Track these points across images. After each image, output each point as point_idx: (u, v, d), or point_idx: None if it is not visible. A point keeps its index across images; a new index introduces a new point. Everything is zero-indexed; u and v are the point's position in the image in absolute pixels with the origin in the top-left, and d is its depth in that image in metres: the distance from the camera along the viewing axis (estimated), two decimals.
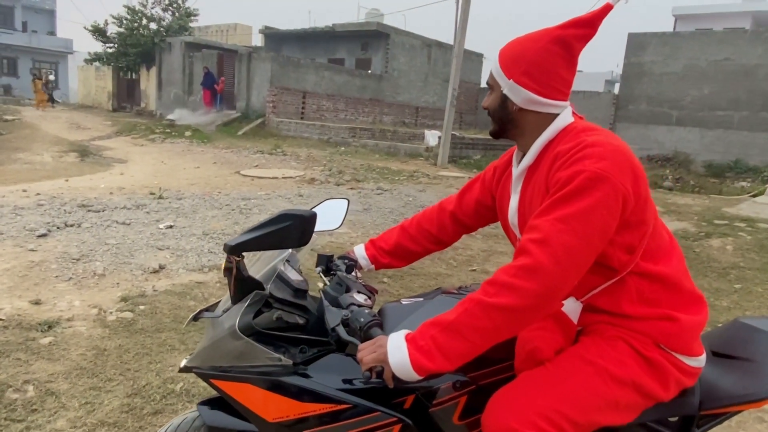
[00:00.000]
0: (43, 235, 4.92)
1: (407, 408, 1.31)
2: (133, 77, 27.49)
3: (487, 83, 1.40)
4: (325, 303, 1.40)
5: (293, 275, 1.47)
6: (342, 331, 1.27)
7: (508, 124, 1.38)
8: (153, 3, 25.87)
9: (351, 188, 9.07)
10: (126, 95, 27.92)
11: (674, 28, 23.31)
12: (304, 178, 9.95)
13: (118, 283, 3.99)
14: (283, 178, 10.01)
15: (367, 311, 1.31)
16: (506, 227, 1.52)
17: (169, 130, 17.80)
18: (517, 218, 1.41)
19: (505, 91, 1.35)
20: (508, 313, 1.13)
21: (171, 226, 5.59)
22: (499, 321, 1.13)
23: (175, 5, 26.37)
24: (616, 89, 20.21)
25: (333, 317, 1.32)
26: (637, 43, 17.59)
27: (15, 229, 5.06)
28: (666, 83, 17.33)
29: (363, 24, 24.07)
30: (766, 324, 1.45)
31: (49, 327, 3.20)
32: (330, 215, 1.75)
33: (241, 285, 1.34)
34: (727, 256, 6.11)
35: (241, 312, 1.32)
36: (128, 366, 2.85)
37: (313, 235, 1.69)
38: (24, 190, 6.99)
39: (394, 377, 1.20)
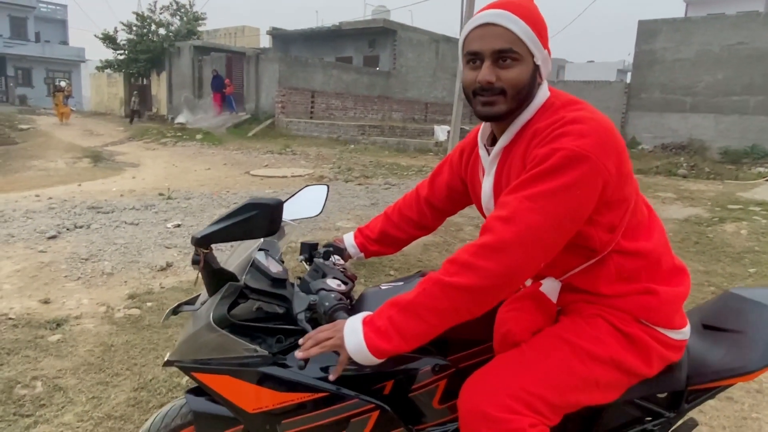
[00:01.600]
0: (53, 237, 5.00)
1: (387, 394, 1.29)
2: (144, 82, 27.79)
3: (509, 50, 1.16)
4: (296, 290, 1.38)
5: (273, 265, 1.44)
6: (302, 317, 1.25)
7: (527, 101, 1.21)
8: (161, 9, 26.15)
9: (359, 184, 9.08)
10: (138, 101, 28.22)
11: (685, 14, 22.95)
12: (313, 176, 9.98)
13: (125, 282, 4.04)
14: (292, 176, 10.05)
15: (333, 295, 1.28)
16: (481, 211, 1.43)
17: (180, 134, 17.97)
18: (492, 202, 1.31)
19: (539, 62, 1.19)
20: (467, 294, 1.08)
21: (179, 225, 5.65)
22: (458, 301, 1.09)
23: (183, 10, 26.60)
24: (629, 78, 19.94)
25: (300, 303, 1.30)
26: (647, 30, 17.36)
27: (26, 232, 5.14)
28: (679, 70, 17.08)
29: (370, 21, 24.08)
30: (757, 294, 1.41)
31: (58, 325, 3.25)
32: (310, 203, 1.73)
33: (214, 277, 1.33)
34: (741, 240, 6.01)
35: (215, 304, 1.31)
36: (135, 361, 2.88)
37: (292, 223, 1.69)
38: (37, 195, 7.11)
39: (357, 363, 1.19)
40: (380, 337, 1.12)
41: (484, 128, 1.38)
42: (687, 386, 1.31)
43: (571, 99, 1.23)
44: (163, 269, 4.31)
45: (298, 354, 1.18)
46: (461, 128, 14.52)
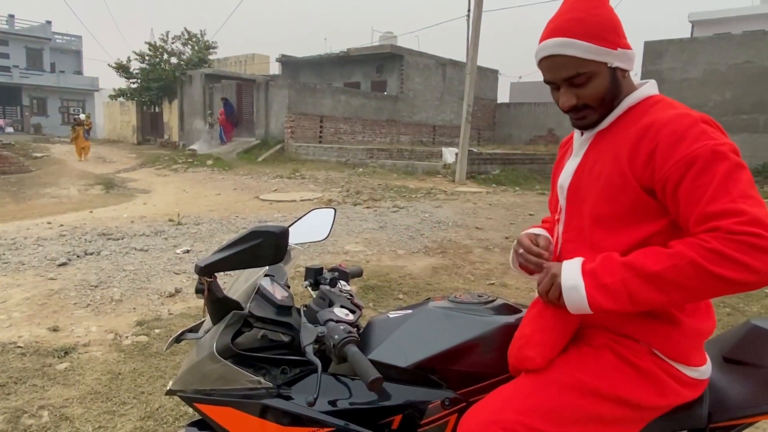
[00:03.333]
0: (64, 264, 5.03)
1: (395, 428, 1.25)
2: (156, 110, 28.24)
3: (575, 76, 1.18)
4: (303, 320, 1.35)
5: (279, 291, 1.43)
6: (309, 350, 1.22)
7: (614, 99, 1.22)
8: (173, 38, 26.69)
9: (368, 207, 9.08)
10: (150, 128, 28.68)
11: (691, 34, 23.02)
12: (322, 200, 10.00)
13: (134, 308, 4.03)
14: (301, 200, 10.09)
15: (343, 327, 1.25)
16: (553, 192, 1.40)
17: (191, 160, 18.18)
18: (569, 181, 1.29)
19: (615, 64, 1.19)
20: (727, 285, 1.02)
21: (188, 251, 5.66)
22: (712, 288, 1.03)
23: (194, 39, 27.15)
24: None
25: (308, 335, 1.26)
26: (654, 51, 17.43)
27: (36, 259, 5.18)
28: (686, 90, 17.07)
29: (377, 47, 24.42)
30: None
31: (66, 353, 3.24)
32: (316, 226, 1.72)
33: (218, 306, 1.31)
34: None
35: (218, 334, 1.29)
36: (142, 389, 2.86)
37: (298, 247, 1.67)
38: (48, 223, 7.17)
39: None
40: (606, 295, 1.10)
41: None
42: (708, 423, 1.25)
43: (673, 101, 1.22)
44: (171, 295, 4.30)
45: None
46: (469, 150, 14.59)
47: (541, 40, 1.22)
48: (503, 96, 31.39)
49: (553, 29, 1.19)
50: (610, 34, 1.17)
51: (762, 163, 15.85)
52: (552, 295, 1.18)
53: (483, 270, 5.48)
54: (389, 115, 23.29)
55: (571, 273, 1.15)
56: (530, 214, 9.03)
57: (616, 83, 1.21)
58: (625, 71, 1.22)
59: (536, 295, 1.28)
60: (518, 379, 1.23)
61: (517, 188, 13.43)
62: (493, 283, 5.01)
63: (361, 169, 15.40)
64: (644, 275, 1.06)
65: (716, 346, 1.39)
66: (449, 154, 15.77)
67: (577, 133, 1.34)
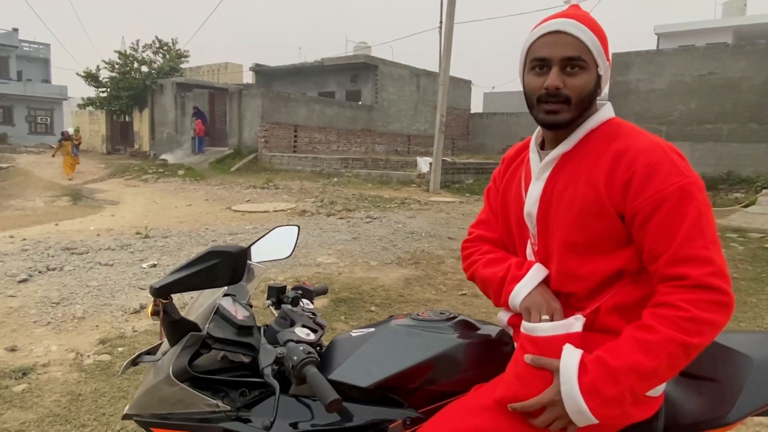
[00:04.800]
0: (24, 281, 4.87)
1: None
2: (127, 119, 27.79)
3: (576, 58, 1.17)
4: (263, 341, 1.33)
5: (240, 311, 1.40)
6: (268, 372, 1.20)
7: (587, 110, 1.22)
8: (144, 47, 26.37)
9: (341, 218, 9.05)
10: (120, 137, 28.21)
11: (657, 46, 23.67)
12: (296, 211, 9.94)
13: (97, 326, 3.93)
14: (274, 211, 10.01)
15: (302, 347, 1.23)
16: (514, 218, 1.35)
17: (162, 170, 17.92)
18: (536, 208, 1.25)
19: (601, 73, 1.20)
20: (702, 347, 1.08)
21: (154, 265, 5.55)
22: (693, 357, 1.09)
23: (165, 48, 26.87)
24: None
25: (266, 356, 1.25)
26: (621, 62, 17.85)
27: None
28: (653, 100, 17.53)
29: (351, 57, 24.52)
30: (732, 340, 1.37)
31: (24, 374, 3.13)
32: (280, 244, 1.70)
33: (175, 327, 1.28)
34: None
35: (175, 356, 1.26)
36: (103, 411, 2.78)
37: (261, 265, 1.65)
38: (11, 237, 6.97)
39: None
40: (612, 406, 1.09)
41: (537, 134, 1.35)
42: None
43: (635, 127, 1.23)
44: (136, 312, 4.21)
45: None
46: (443, 159, 14.70)
47: (543, 22, 1.21)
48: (477, 106, 31.84)
49: (563, 14, 1.20)
50: (606, 45, 1.20)
51: (726, 171, 16.32)
52: (557, 426, 1.13)
53: (455, 280, 5.49)
54: (364, 124, 23.35)
55: (573, 399, 1.09)
56: None
57: (595, 93, 1.21)
58: (600, 86, 1.22)
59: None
60: (467, 397, 1.23)
61: None
62: (465, 294, 5.03)
63: (335, 179, 15.37)
64: (645, 375, 1.07)
65: None
66: (424, 164, 15.87)
67: (533, 155, 1.31)
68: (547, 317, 1.21)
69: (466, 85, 28.91)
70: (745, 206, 11.21)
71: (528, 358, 1.16)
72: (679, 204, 1.08)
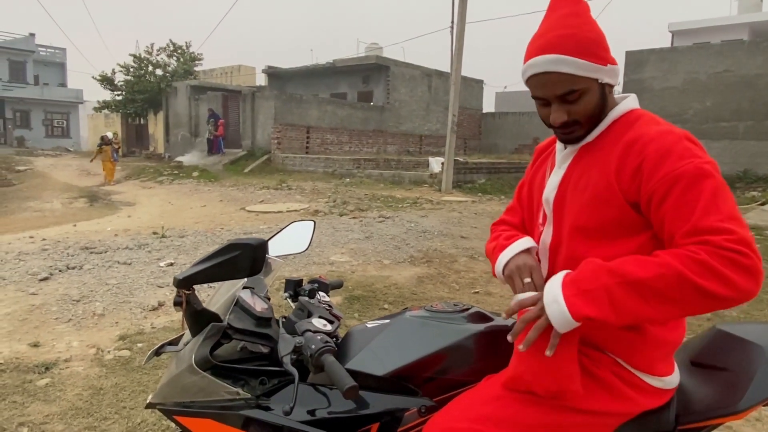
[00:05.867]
0: (45, 279, 4.98)
1: None
2: (142, 122, 28.11)
3: (569, 92, 1.18)
4: (281, 331, 1.37)
5: (258, 303, 1.44)
6: (287, 361, 1.24)
7: (601, 114, 1.23)
8: (158, 50, 26.66)
9: (354, 217, 9.10)
10: (135, 140, 28.53)
11: (672, 44, 23.41)
12: (308, 211, 10.01)
13: (117, 322, 4.01)
14: (287, 211, 10.08)
15: (320, 337, 1.27)
16: (536, 205, 1.39)
17: (177, 172, 18.10)
18: (554, 194, 1.29)
19: (605, 80, 1.19)
20: (708, 300, 1.02)
21: (171, 264, 5.63)
22: (693, 301, 1.03)
23: (179, 51, 27.14)
24: None
25: (285, 345, 1.28)
26: (635, 60, 17.71)
27: (18, 275, 5.12)
28: (668, 98, 17.36)
29: (363, 58, 24.58)
30: (742, 330, 1.39)
31: (47, 369, 3.21)
32: (296, 239, 1.74)
33: (197, 318, 1.32)
34: None
35: (197, 346, 1.30)
36: (124, 404, 2.84)
37: (278, 260, 1.69)
38: (31, 237, 7.10)
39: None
40: (587, 302, 1.07)
41: None
42: (676, 426, 1.28)
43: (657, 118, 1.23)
44: (154, 309, 4.29)
45: (509, 338, 1.19)
46: (455, 159, 14.69)
47: (528, 57, 1.20)
48: (489, 106, 31.75)
49: (543, 45, 1.17)
50: (600, 50, 1.17)
51: (742, 170, 16.12)
52: (533, 315, 1.14)
53: (468, 279, 5.51)
54: (376, 125, 23.39)
55: (551, 287, 1.13)
56: None
57: (605, 98, 1.22)
58: (612, 86, 1.23)
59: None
60: (477, 387, 1.26)
61: (502, 197, 13.53)
62: (477, 292, 5.05)
63: (347, 180, 15.43)
64: (629, 282, 1.05)
65: (685, 351, 1.43)
66: (436, 164, 15.87)
67: (559, 145, 1.35)
68: (528, 279, 1.24)
69: (477, 84, 28.84)
70: (762, 204, 11.07)
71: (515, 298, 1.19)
72: (695, 181, 1.08)
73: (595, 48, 1.16)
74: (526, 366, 1.18)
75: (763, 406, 1.29)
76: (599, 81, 1.18)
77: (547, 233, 1.32)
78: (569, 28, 1.16)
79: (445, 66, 23.64)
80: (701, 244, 1.03)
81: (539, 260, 1.33)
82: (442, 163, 14.34)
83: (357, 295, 4.74)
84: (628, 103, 1.26)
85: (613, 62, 1.19)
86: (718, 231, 1.03)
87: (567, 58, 1.14)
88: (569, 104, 1.19)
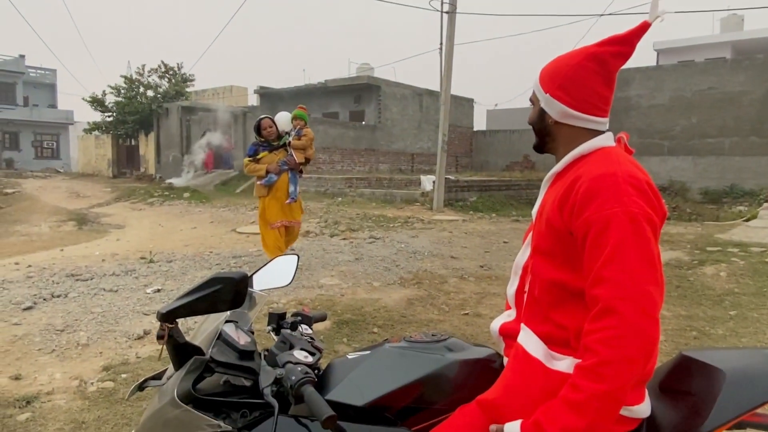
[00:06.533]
0: (29, 308, 4.91)
1: None
2: (132, 143, 28.08)
3: (530, 99, 1.46)
4: (263, 363, 1.39)
5: (242, 336, 1.45)
6: (268, 392, 1.26)
7: (546, 136, 1.43)
8: (150, 71, 26.73)
9: (344, 238, 9.08)
10: (126, 161, 28.46)
11: (657, 62, 23.81)
12: (300, 232, 9.97)
13: (101, 352, 3.95)
14: None
15: (300, 368, 1.29)
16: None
17: (167, 193, 18.04)
18: (534, 219, 1.45)
19: (542, 105, 1.40)
20: (627, 391, 1.15)
21: (158, 290, 5.58)
22: (623, 400, 1.17)
23: (171, 72, 27.23)
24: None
25: (266, 377, 1.32)
26: (622, 78, 17.97)
27: (1, 304, 5.05)
28: (654, 115, 17.61)
29: (354, 78, 24.77)
30: (708, 356, 1.41)
31: (28, 402, 3.15)
32: (280, 272, 1.78)
33: (179, 351, 1.34)
34: (721, 282, 6.04)
35: (179, 380, 1.31)
36: None
37: (262, 293, 1.71)
38: (16, 263, 7.02)
39: None
40: None
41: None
42: None
43: (627, 159, 1.31)
44: (140, 338, 4.23)
45: None
46: (446, 177, 14.75)
47: None
48: (480, 124, 31.96)
49: None
50: (549, 79, 1.38)
51: (729, 185, 16.31)
52: None
53: (458, 300, 5.49)
54: (368, 144, 23.49)
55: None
56: (504, 242, 9.11)
57: (543, 123, 1.41)
58: (551, 118, 1.38)
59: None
60: (450, 418, 1.31)
61: (493, 215, 13.57)
62: (467, 313, 5.03)
63: (340, 199, 15.43)
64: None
65: (654, 377, 1.46)
66: (428, 182, 15.93)
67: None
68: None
69: (468, 103, 29.10)
70: (747, 220, 11.16)
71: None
72: (604, 230, 1.17)
73: (548, 76, 1.38)
74: (507, 399, 1.28)
75: (726, 429, 1.30)
76: (540, 103, 1.40)
77: (524, 252, 1.47)
78: (558, 62, 1.39)
79: (435, 85, 23.87)
80: (594, 307, 1.16)
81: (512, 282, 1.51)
82: (434, 182, 14.40)
83: (346, 319, 4.71)
84: (598, 141, 1.35)
85: (554, 97, 1.36)
86: (609, 283, 1.15)
87: (538, 73, 1.43)
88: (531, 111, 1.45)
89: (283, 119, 6.55)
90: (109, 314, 4.79)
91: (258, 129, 6.37)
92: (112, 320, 4.64)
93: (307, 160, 6.65)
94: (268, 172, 6.25)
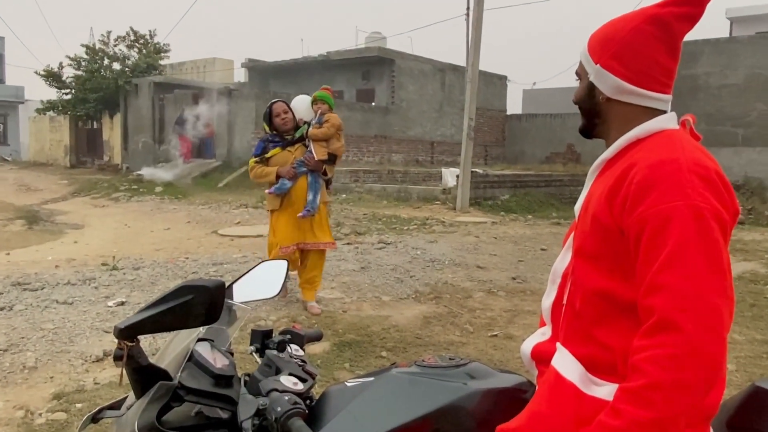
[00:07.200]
0: None
1: None
2: (94, 126, 28.30)
3: (576, 72, 1.47)
4: (243, 391, 1.38)
5: (219, 358, 1.45)
6: (247, 426, 1.25)
7: (595, 117, 1.44)
8: (116, 40, 26.91)
9: (348, 243, 9.12)
10: (86, 148, 28.69)
11: (730, 33, 23.58)
12: None
13: (52, 377, 3.99)
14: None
15: (288, 398, 1.28)
16: None
17: (136, 187, 18.22)
18: (578, 214, 1.44)
19: (591, 78, 1.40)
20: (682, 417, 1.14)
21: (122, 303, 5.63)
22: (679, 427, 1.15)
23: (142, 41, 27.40)
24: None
25: (246, 408, 1.30)
26: (687, 53, 17.77)
27: None
28: (726, 97, 17.43)
29: (363, 50, 24.81)
30: None
31: None
32: (266, 281, 1.77)
33: (142, 375, 1.33)
34: None
35: (141, 410, 1.29)
36: None
37: (244, 306, 1.69)
38: None
39: None
40: None
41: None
42: None
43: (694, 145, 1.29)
44: (99, 360, 4.27)
45: None
46: (473, 171, 14.73)
47: None
48: (514, 106, 31.84)
49: None
50: (601, 46, 1.38)
51: None
52: None
53: (484, 318, 5.50)
54: (378, 129, 23.52)
55: None
56: (542, 249, 9.13)
57: (591, 100, 1.42)
58: (602, 94, 1.39)
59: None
60: None
61: (529, 217, 13.56)
62: (496, 335, 5.04)
63: (344, 196, 15.49)
64: None
65: (721, 412, 1.45)
66: (450, 176, 15.94)
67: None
68: None
69: (500, 81, 29.06)
70: None
71: None
72: (663, 228, 1.16)
73: (599, 43, 1.39)
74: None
75: None
76: (588, 77, 1.41)
77: (564, 256, 1.48)
78: (611, 27, 1.39)
79: (460, 60, 23.87)
80: (648, 320, 1.15)
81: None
82: (458, 176, 14.39)
83: (348, 341, 4.73)
84: (659, 122, 1.34)
85: (606, 68, 1.35)
86: (667, 292, 1.13)
87: (586, 41, 1.44)
88: (578, 86, 1.48)
89: (303, 104, 5.79)
90: (62, 331, 4.82)
91: (269, 117, 5.50)
92: (65, 338, 4.67)
93: (333, 157, 5.64)
94: (279, 176, 5.40)
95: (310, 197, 5.39)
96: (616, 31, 1.35)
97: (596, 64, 1.37)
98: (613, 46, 1.34)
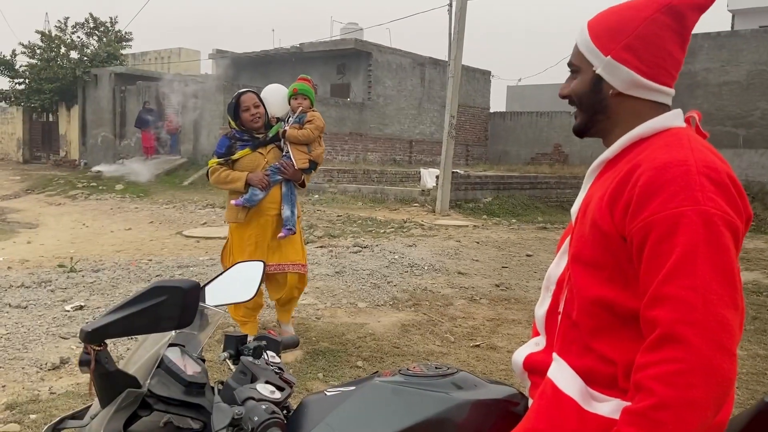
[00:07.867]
0: None
1: None
2: (50, 119, 27.92)
3: (570, 64, 1.42)
4: (217, 399, 1.38)
5: (190, 364, 1.45)
6: None
7: (599, 113, 1.39)
8: (74, 26, 26.59)
9: (322, 246, 9.12)
10: (41, 142, 28.30)
11: (732, 26, 23.62)
12: None
13: (4, 386, 3.94)
14: None
15: (265, 407, 1.28)
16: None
17: (95, 184, 18.07)
18: (575, 217, 1.41)
19: (599, 71, 1.35)
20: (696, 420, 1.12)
21: (81, 307, 5.60)
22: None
23: (102, 29, 27.11)
24: None
25: (221, 418, 1.30)
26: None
27: None
28: (727, 96, 17.37)
29: (338, 42, 24.80)
30: None
31: None
32: (241, 283, 1.78)
33: (108, 382, 1.32)
34: None
35: (107, 419, 1.29)
36: None
37: (217, 309, 1.70)
38: None
39: None
40: None
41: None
42: None
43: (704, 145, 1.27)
44: (55, 368, 4.24)
45: None
46: (454, 171, 14.79)
47: None
48: (498, 104, 32.09)
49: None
50: (609, 37, 1.34)
51: None
52: None
53: (466, 327, 5.52)
54: (353, 127, 23.54)
55: None
56: (527, 255, 9.18)
57: (595, 94, 1.38)
58: (611, 88, 1.35)
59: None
60: None
61: (513, 220, 13.64)
62: (478, 345, 5.06)
63: (316, 196, 15.47)
64: None
65: (731, 428, 1.46)
66: (429, 177, 16.01)
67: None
68: None
69: (484, 77, 29.25)
70: None
71: None
72: (669, 234, 1.14)
73: (607, 33, 1.34)
74: None
75: None
76: (594, 69, 1.36)
77: (559, 262, 1.46)
78: (620, 15, 1.35)
79: (442, 53, 23.95)
80: (651, 333, 1.13)
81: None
82: (437, 177, 14.45)
83: (322, 349, 4.73)
84: (666, 119, 1.33)
85: (619, 60, 1.32)
86: (673, 303, 1.12)
87: (583, 27, 1.39)
88: (572, 78, 1.43)
89: (277, 96, 4.97)
90: (15, 337, 4.78)
91: (234, 110, 4.66)
92: (18, 345, 4.63)
93: (315, 165, 4.91)
94: (249, 185, 4.59)
95: (286, 213, 4.69)
96: (627, 21, 1.32)
97: (606, 55, 1.33)
98: (626, 36, 1.31)
